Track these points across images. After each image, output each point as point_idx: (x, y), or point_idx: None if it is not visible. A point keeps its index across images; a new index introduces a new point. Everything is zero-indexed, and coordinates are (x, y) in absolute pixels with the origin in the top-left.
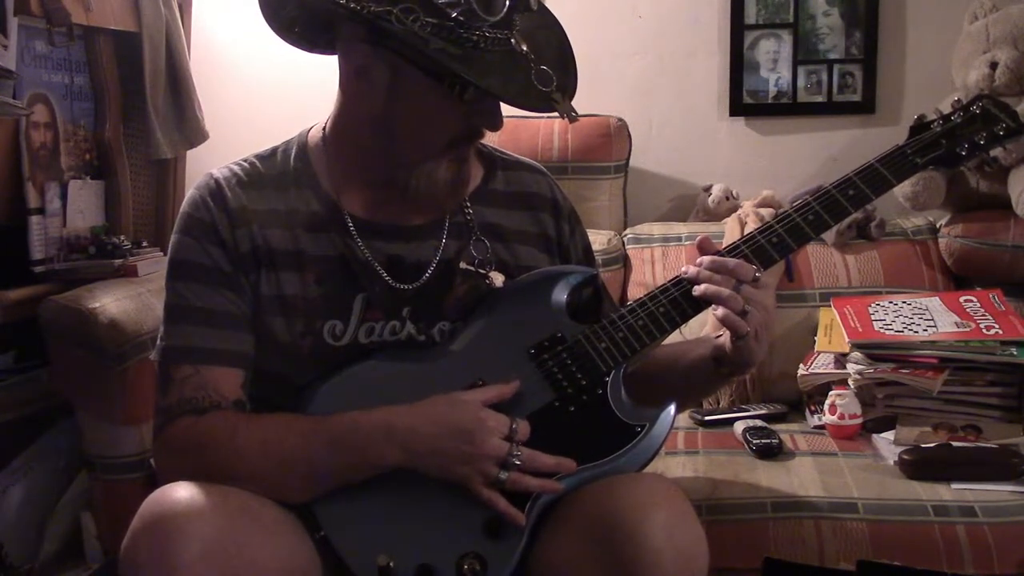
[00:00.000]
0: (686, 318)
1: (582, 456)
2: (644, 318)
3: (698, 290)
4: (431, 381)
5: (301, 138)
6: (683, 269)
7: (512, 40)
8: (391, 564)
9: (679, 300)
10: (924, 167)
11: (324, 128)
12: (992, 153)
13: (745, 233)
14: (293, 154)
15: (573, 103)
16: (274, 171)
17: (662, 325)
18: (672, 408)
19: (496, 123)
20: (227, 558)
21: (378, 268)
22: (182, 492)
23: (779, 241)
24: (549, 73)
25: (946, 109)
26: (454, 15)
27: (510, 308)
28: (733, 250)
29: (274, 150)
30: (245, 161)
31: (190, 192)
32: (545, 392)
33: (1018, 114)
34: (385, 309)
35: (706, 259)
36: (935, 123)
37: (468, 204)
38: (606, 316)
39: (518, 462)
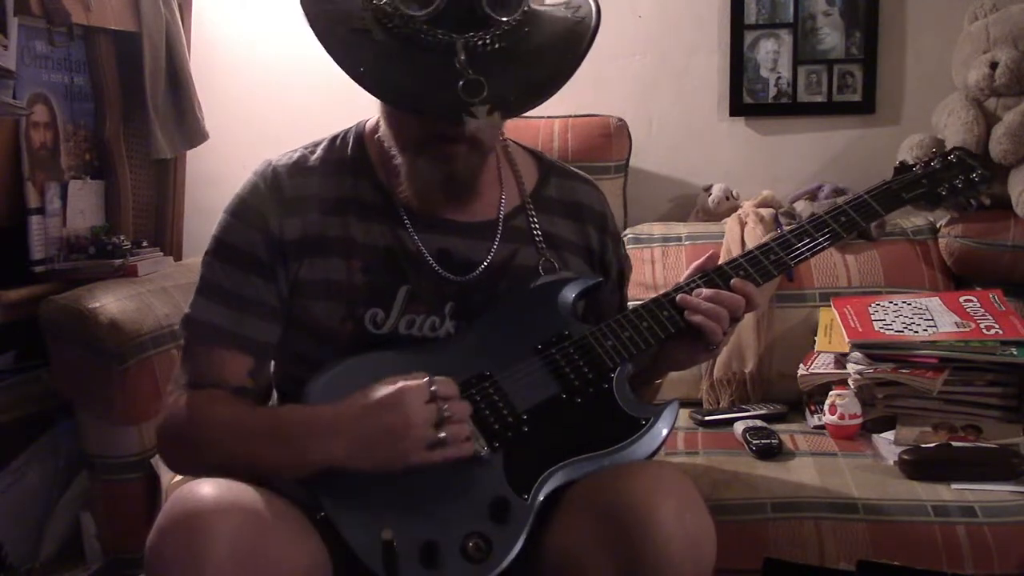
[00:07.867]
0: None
1: (587, 445)
2: (649, 320)
3: (691, 319)
4: (433, 374)
5: (359, 127)
6: (680, 297)
7: (452, 40)
8: (395, 540)
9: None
10: (908, 203)
11: (379, 119)
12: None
13: (745, 239)
14: (351, 143)
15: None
16: (333, 157)
17: (666, 327)
18: (676, 404)
19: (450, 126)
20: (254, 558)
21: (428, 258)
22: (208, 489)
23: (777, 259)
24: (479, 83)
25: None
26: (385, 4)
27: (518, 309)
28: (734, 265)
29: (335, 137)
30: (306, 148)
31: (248, 177)
32: (551, 385)
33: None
34: (428, 303)
35: (706, 293)
36: (916, 166)
37: (532, 209)
38: (612, 317)
39: (448, 413)
